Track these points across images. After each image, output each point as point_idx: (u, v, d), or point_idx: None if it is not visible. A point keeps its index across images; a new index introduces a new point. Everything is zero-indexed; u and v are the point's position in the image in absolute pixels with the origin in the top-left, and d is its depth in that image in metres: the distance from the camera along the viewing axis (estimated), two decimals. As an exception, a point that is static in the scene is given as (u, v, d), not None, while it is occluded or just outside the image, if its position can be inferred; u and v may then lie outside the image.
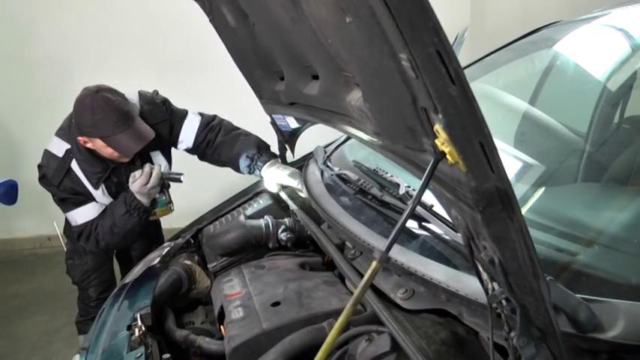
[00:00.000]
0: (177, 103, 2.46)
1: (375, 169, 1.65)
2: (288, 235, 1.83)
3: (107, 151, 2.12)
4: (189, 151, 2.48)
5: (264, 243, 1.86)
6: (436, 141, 0.69)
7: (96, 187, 2.23)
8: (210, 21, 1.69)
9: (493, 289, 0.81)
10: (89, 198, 2.26)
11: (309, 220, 1.70)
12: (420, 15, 0.55)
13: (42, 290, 3.94)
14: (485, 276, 0.82)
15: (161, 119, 2.33)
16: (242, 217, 1.91)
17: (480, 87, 2.03)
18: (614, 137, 1.87)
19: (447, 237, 1.24)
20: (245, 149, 2.31)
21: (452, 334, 1.10)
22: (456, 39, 2.60)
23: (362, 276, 1.32)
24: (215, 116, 2.50)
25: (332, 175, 1.80)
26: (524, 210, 1.34)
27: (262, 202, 2.04)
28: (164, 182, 2.33)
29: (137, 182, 2.18)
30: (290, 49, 1.34)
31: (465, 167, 0.67)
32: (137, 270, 1.94)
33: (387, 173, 1.58)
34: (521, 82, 2.17)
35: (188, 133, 2.40)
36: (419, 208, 1.31)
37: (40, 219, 2.34)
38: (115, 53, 4.22)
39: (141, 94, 2.35)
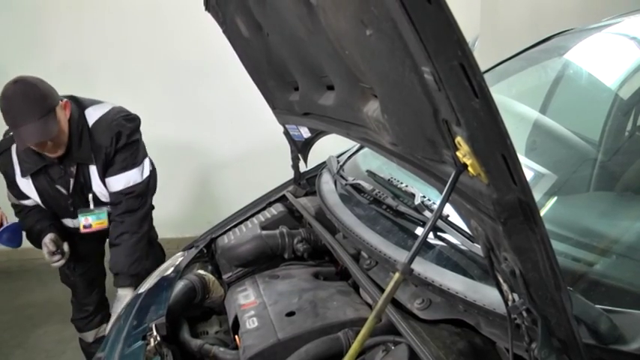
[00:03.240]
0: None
1: (389, 179, 1.65)
2: (305, 246, 1.82)
3: None
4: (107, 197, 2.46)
5: (279, 253, 1.85)
6: (457, 153, 0.69)
7: (23, 175, 2.35)
8: (224, 31, 1.70)
9: (513, 300, 0.81)
10: (12, 184, 2.40)
11: (323, 230, 1.70)
12: (445, 29, 0.55)
13: (54, 299, 3.95)
14: (505, 287, 0.82)
15: (105, 144, 2.33)
16: (257, 228, 1.91)
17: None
18: (626, 146, 1.86)
19: (463, 247, 1.24)
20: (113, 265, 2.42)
21: (469, 344, 1.10)
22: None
23: (378, 286, 1.33)
24: (145, 200, 2.49)
25: (346, 184, 1.80)
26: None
27: (275, 211, 2.04)
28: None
29: (43, 247, 2.40)
30: (305, 60, 1.34)
31: (487, 179, 0.67)
32: (151, 280, 1.94)
33: (401, 183, 1.58)
34: (534, 90, 2.17)
35: (114, 182, 2.40)
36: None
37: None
38: (128, 60, 4.26)
39: (113, 109, 2.40)
